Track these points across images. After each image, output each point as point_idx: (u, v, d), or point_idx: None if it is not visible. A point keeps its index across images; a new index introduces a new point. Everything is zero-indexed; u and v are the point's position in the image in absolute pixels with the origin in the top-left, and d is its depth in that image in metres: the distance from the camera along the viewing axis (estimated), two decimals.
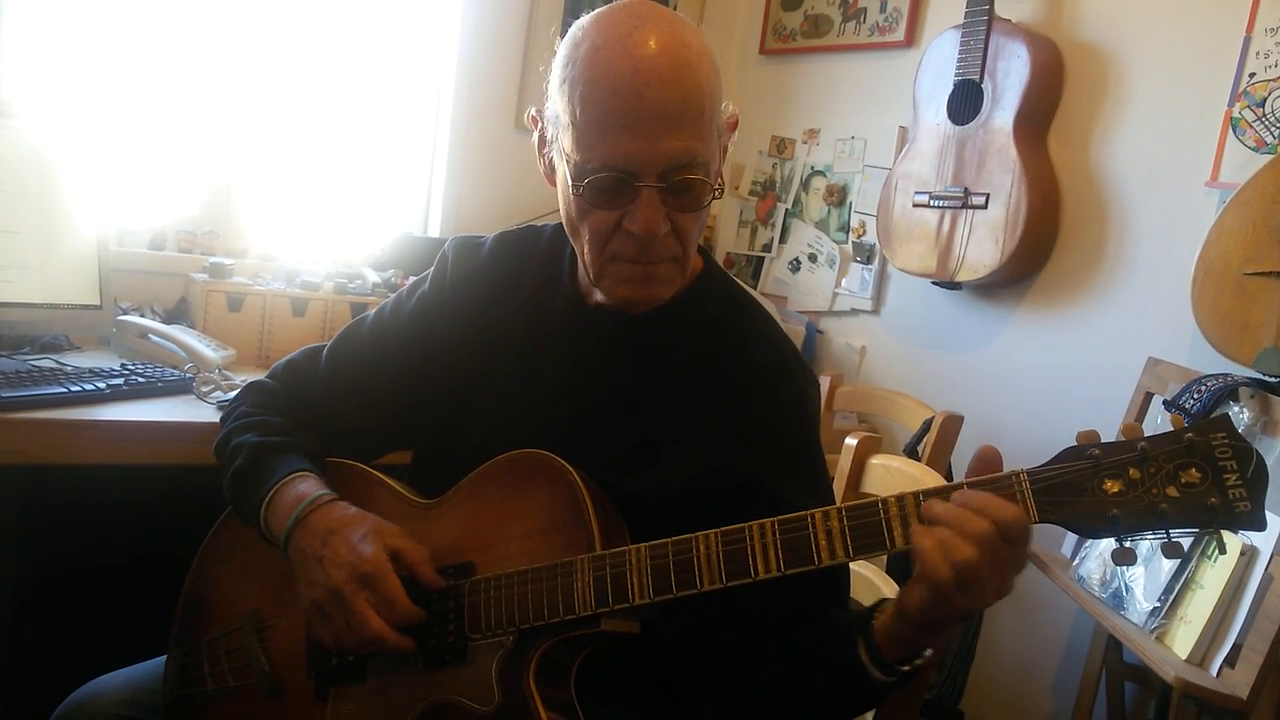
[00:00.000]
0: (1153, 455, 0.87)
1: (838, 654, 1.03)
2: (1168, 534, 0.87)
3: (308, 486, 1.17)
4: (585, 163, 1.07)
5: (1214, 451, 0.85)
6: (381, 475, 1.26)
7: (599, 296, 1.21)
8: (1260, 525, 0.84)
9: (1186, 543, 0.89)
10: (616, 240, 1.10)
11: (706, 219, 1.15)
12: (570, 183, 1.10)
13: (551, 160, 1.16)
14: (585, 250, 1.13)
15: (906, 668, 1.00)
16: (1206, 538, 1.78)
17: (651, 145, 1.04)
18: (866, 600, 1.52)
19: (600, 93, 1.04)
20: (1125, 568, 1.93)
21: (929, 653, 1.00)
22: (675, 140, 1.04)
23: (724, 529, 0.99)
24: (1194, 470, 0.86)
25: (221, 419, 1.33)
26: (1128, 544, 0.90)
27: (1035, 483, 0.90)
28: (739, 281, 1.33)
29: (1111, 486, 0.88)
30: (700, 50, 1.07)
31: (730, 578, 0.98)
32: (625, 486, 1.12)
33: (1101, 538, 0.92)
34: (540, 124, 1.17)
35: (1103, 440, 0.91)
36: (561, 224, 1.27)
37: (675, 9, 3.28)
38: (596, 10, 1.10)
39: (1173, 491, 0.86)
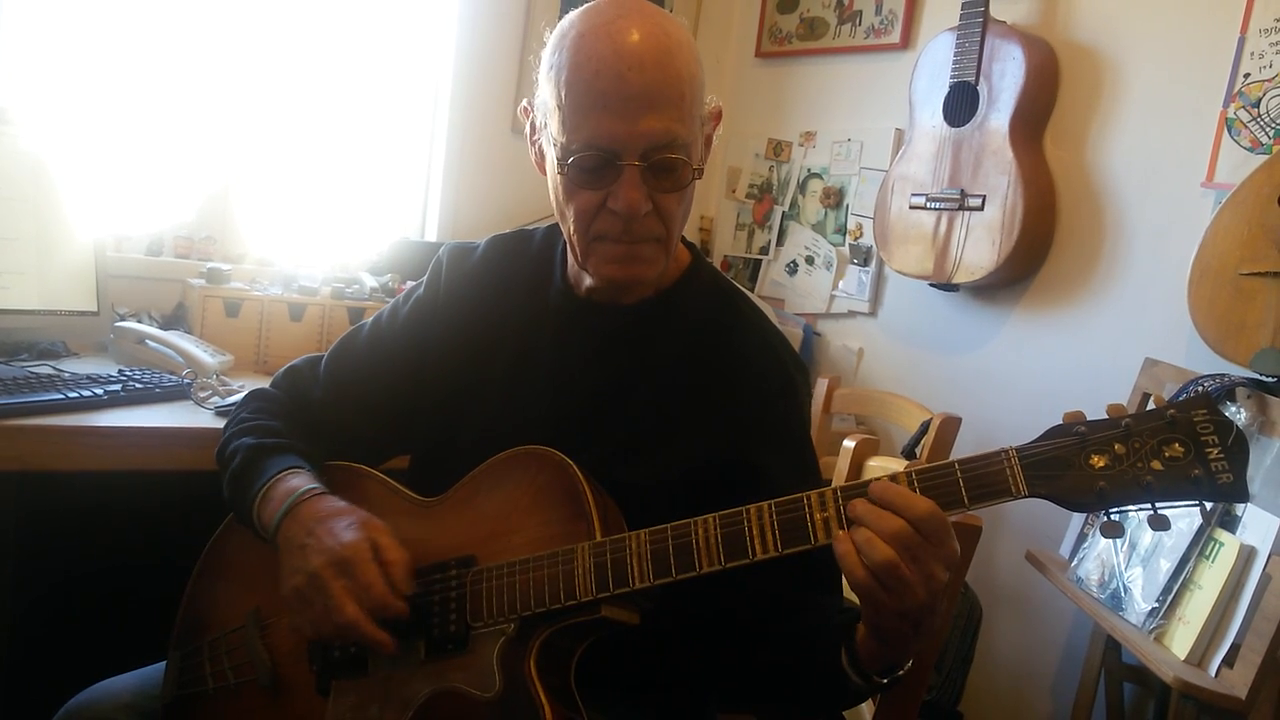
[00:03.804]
0: (1137, 431, 0.90)
1: (823, 657, 1.05)
2: (1153, 507, 0.90)
3: (298, 481, 1.18)
4: (570, 144, 1.10)
5: (1195, 426, 0.88)
6: (382, 475, 1.28)
7: (589, 282, 1.23)
8: (1243, 496, 0.87)
9: (1175, 523, 0.91)
10: (601, 220, 1.13)
11: (690, 203, 1.18)
12: (557, 164, 1.13)
13: (541, 147, 1.19)
14: (572, 231, 1.17)
15: (885, 679, 1.03)
16: (1204, 537, 1.79)
17: (632, 125, 1.07)
18: None
19: (584, 76, 1.08)
20: (1120, 560, 1.94)
21: (909, 665, 1.03)
22: (655, 121, 1.08)
23: (722, 512, 1.01)
24: (1177, 445, 0.88)
25: (224, 427, 1.34)
26: (1115, 517, 0.93)
27: (1024, 459, 0.92)
28: (726, 275, 1.35)
29: (1098, 461, 0.90)
30: (680, 40, 1.11)
31: (729, 559, 0.99)
32: (620, 478, 1.14)
33: (1090, 511, 0.94)
34: (531, 113, 1.20)
35: (1088, 419, 0.93)
36: (553, 226, 1.29)
37: (671, 11, 3.29)
38: (584, 5, 1.14)
39: (1157, 465, 0.89)
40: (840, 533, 0.95)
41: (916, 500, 0.92)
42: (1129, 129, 2.41)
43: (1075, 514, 2.16)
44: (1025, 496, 0.92)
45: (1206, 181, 2.24)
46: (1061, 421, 0.93)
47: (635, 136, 1.08)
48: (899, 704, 1.36)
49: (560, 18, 1.17)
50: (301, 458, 1.24)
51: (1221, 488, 0.87)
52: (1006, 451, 0.93)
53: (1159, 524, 0.90)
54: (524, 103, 1.22)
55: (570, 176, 1.12)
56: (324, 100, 2.72)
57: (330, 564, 1.08)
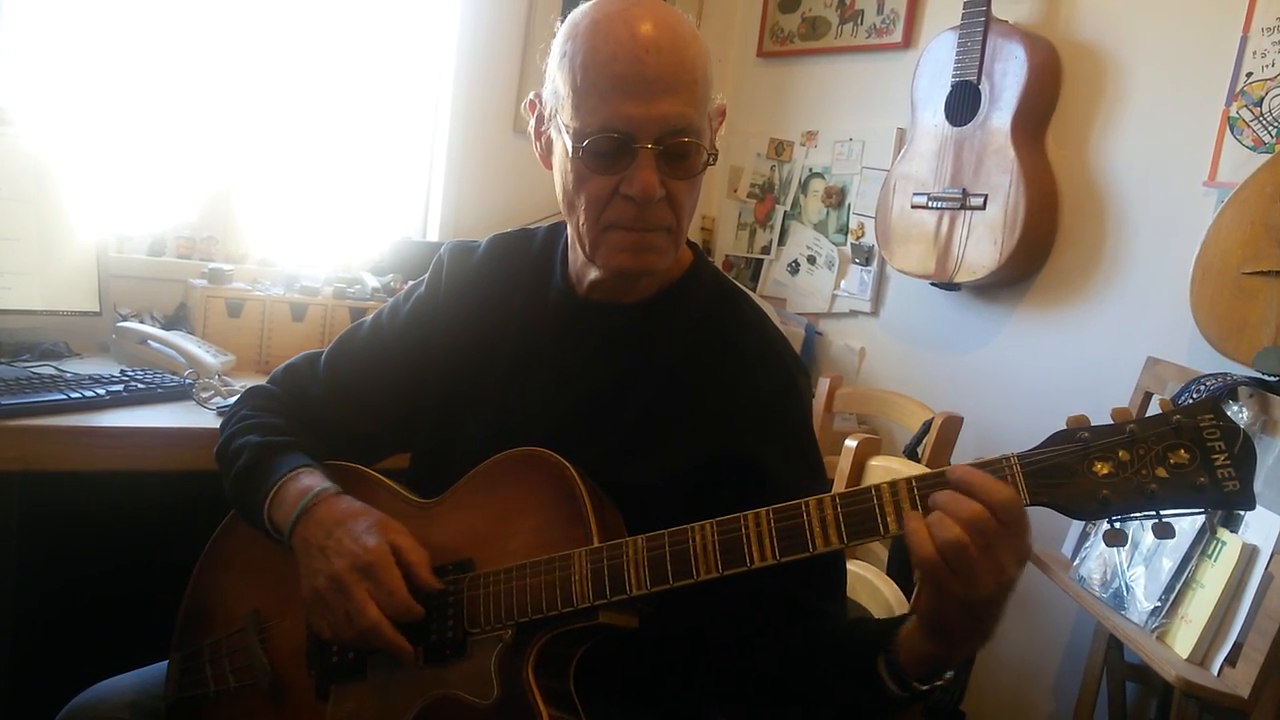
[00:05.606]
0: (1141, 437, 0.88)
1: (855, 664, 1.02)
2: (1158, 515, 0.88)
3: (312, 480, 1.18)
4: (585, 128, 1.09)
5: (1201, 433, 0.86)
6: (380, 476, 1.27)
7: (593, 276, 1.22)
8: (1249, 504, 0.85)
9: (1177, 524, 0.90)
10: (613, 207, 1.12)
11: (698, 195, 1.17)
12: (570, 149, 1.12)
13: (549, 139, 1.18)
14: (581, 221, 1.15)
15: (925, 686, 0.97)
16: (1206, 536, 1.79)
17: (649, 108, 1.07)
18: (865, 600, 1.52)
19: (601, 59, 1.08)
20: (1122, 560, 1.94)
21: (949, 674, 0.98)
22: (671, 105, 1.08)
23: (719, 519, 1.00)
24: (1182, 451, 0.86)
25: (221, 425, 1.33)
26: (1118, 525, 0.91)
27: (1025, 466, 0.90)
28: (727, 275, 1.34)
29: (1101, 468, 0.88)
30: (693, 32, 1.13)
31: (726, 567, 0.98)
32: (620, 479, 1.14)
33: (1093, 519, 0.92)
34: (538, 107, 1.19)
35: (1092, 425, 0.91)
36: (555, 226, 1.28)
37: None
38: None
39: (1162, 472, 0.87)
40: (914, 512, 0.92)
41: (999, 486, 0.89)
42: (1131, 128, 2.40)
43: None
44: (1027, 505, 0.90)
45: (1209, 180, 2.23)
46: (1064, 424, 0.92)
47: (651, 120, 1.07)
48: None
49: (561, 16, 1.17)
50: (309, 456, 1.23)
51: (1228, 495, 0.84)
52: (1008, 458, 0.91)
53: (1164, 532, 0.88)
54: (530, 96, 1.21)
55: (584, 161, 1.10)
56: (326, 100, 2.72)
57: (353, 568, 1.08)
